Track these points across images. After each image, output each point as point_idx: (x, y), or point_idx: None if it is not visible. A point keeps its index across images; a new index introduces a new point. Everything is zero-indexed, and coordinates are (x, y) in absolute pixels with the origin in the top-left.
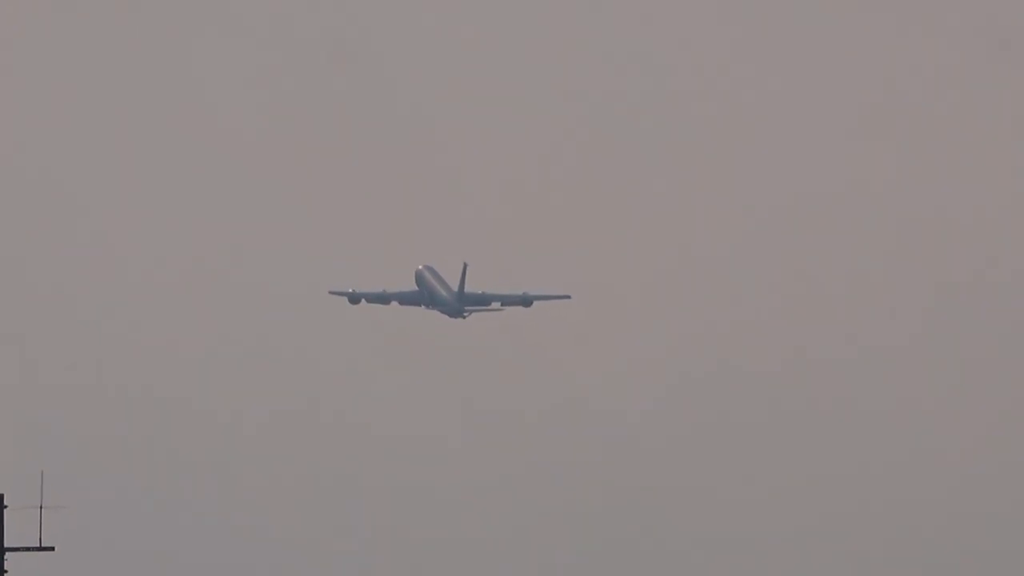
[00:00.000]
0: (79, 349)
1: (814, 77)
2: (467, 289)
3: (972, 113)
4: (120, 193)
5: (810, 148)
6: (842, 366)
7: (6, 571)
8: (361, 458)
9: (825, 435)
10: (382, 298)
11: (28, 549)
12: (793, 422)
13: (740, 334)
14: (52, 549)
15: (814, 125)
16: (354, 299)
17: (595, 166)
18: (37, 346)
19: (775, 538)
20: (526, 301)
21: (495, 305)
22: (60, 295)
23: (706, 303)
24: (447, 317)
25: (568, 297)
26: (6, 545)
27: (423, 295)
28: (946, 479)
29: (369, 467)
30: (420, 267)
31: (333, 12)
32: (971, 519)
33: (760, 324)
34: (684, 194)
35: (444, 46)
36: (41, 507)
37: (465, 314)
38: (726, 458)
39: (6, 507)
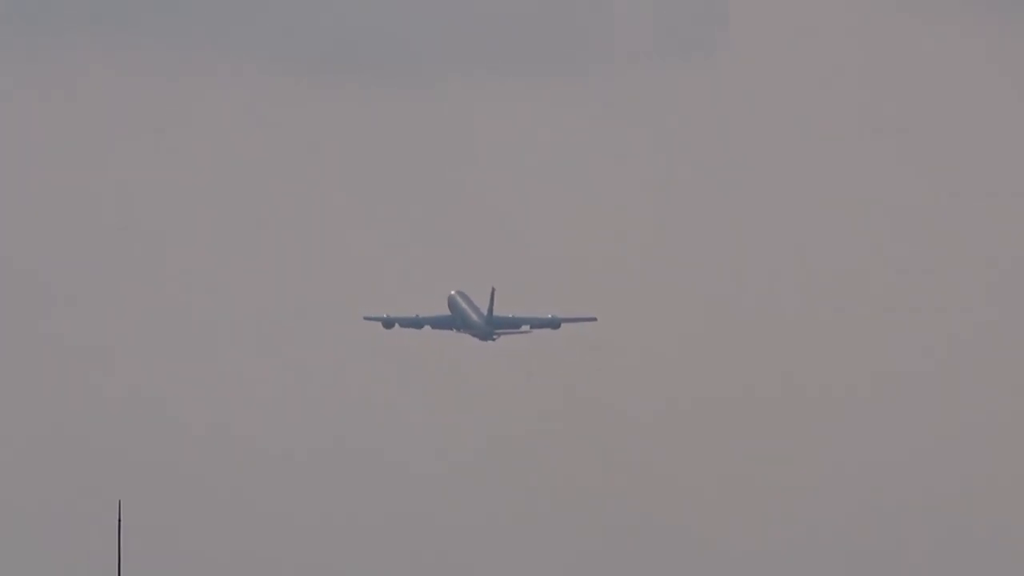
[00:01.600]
0: (111, 369)
1: (832, 100)
2: (497, 313)
3: None
4: (159, 218)
5: (833, 170)
6: (868, 390)
7: None
8: (394, 479)
9: (850, 456)
10: (415, 323)
11: None
12: (818, 446)
13: (764, 357)
14: None
15: (840, 149)
16: (388, 324)
17: (626, 193)
18: (74, 365)
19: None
20: (554, 324)
21: (524, 328)
22: (100, 319)
23: (731, 326)
24: (478, 340)
25: (594, 319)
26: None
27: (455, 319)
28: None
29: (403, 486)
30: (452, 292)
31: (373, 31)
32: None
33: (785, 347)
34: (707, 215)
35: (479, 70)
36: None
37: (495, 336)
38: (749, 475)
39: None
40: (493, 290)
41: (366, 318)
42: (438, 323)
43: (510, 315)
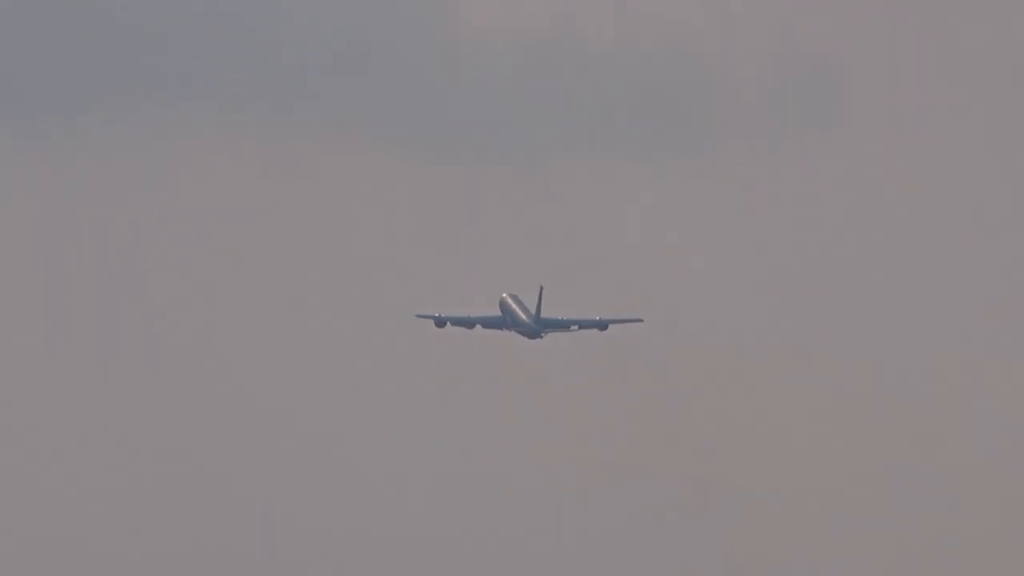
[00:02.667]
0: (173, 366)
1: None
2: (548, 315)
3: None
4: (217, 211)
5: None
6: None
7: None
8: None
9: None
10: (466, 322)
11: None
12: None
13: (805, 359)
14: None
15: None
16: (440, 323)
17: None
18: (130, 355)
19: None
20: (601, 325)
21: (572, 328)
22: (159, 311)
23: (774, 328)
24: (526, 339)
25: (640, 320)
26: None
27: (505, 320)
28: None
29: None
30: (504, 295)
31: (442, 35)
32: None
33: (831, 350)
34: (755, 217)
35: (530, 75)
36: None
37: (542, 335)
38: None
39: None
40: (541, 289)
41: (418, 316)
42: (489, 323)
43: (559, 317)
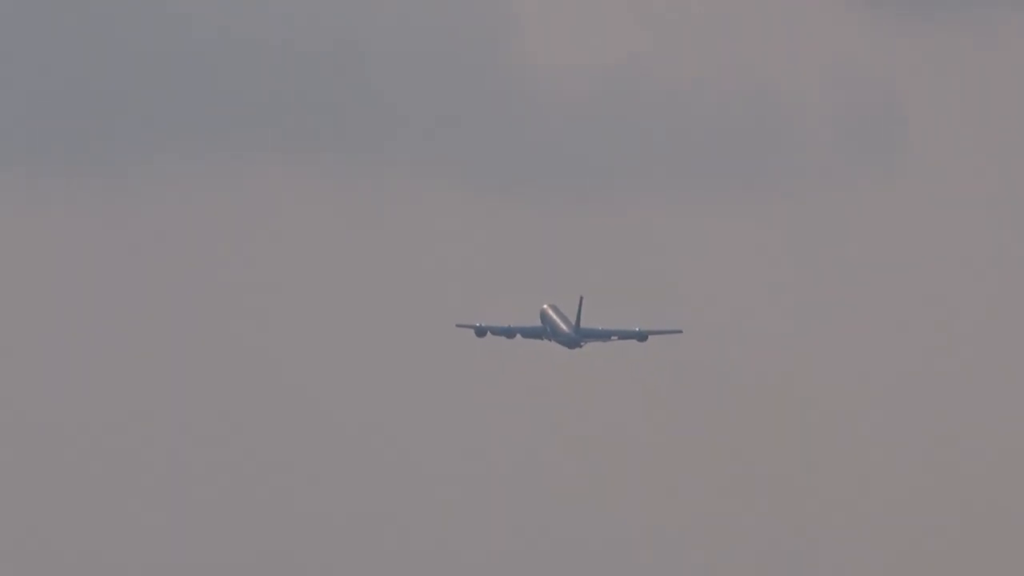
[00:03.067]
0: (213, 371)
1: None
2: (588, 325)
3: None
4: (270, 225)
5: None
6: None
7: None
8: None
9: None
10: (507, 332)
11: None
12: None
13: (847, 370)
14: None
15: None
16: (480, 332)
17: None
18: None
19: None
20: (641, 336)
21: (612, 339)
22: (197, 309)
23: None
24: (565, 348)
25: (680, 332)
26: None
27: (545, 330)
28: None
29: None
30: (545, 306)
31: (510, 71)
32: None
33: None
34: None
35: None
36: None
37: (582, 344)
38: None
39: None
40: (581, 299)
41: (458, 325)
42: (529, 332)
43: (599, 327)
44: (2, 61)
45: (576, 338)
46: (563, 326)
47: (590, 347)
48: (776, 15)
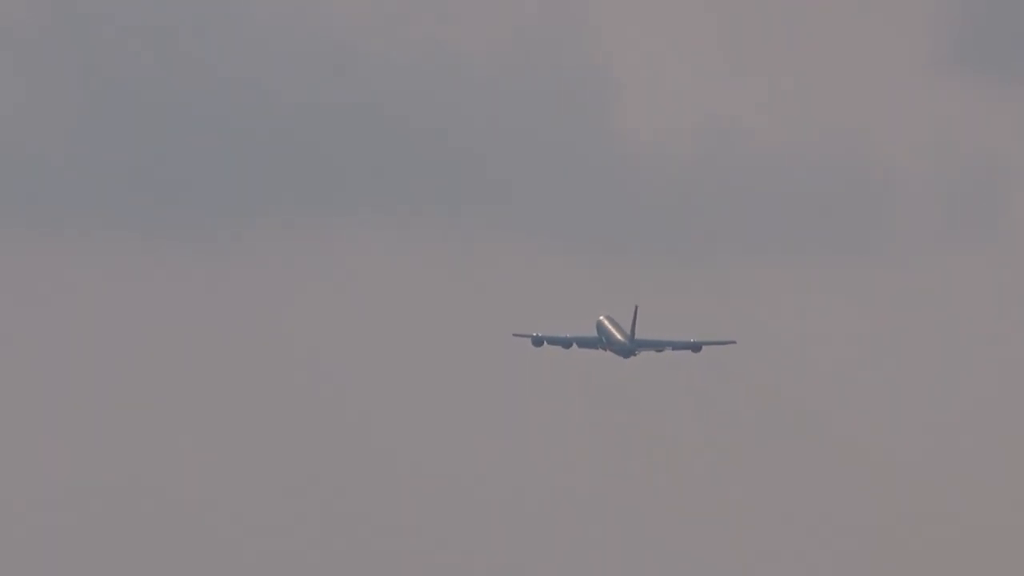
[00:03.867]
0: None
1: None
2: (644, 336)
3: None
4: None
5: None
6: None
7: None
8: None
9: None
10: (564, 342)
11: None
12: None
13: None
14: None
15: None
16: (537, 342)
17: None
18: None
19: None
20: (695, 347)
21: (666, 349)
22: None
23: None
24: (621, 358)
25: (734, 342)
26: None
27: (601, 340)
28: None
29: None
30: (601, 317)
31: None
32: None
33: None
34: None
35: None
36: None
37: (636, 353)
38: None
39: None
40: (636, 308)
41: (515, 335)
42: (584, 342)
43: (655, 338)
44: (115, 130)
45: (631, 347)
46: (618, 336)
47: (643, 356)
48: (875, 80)
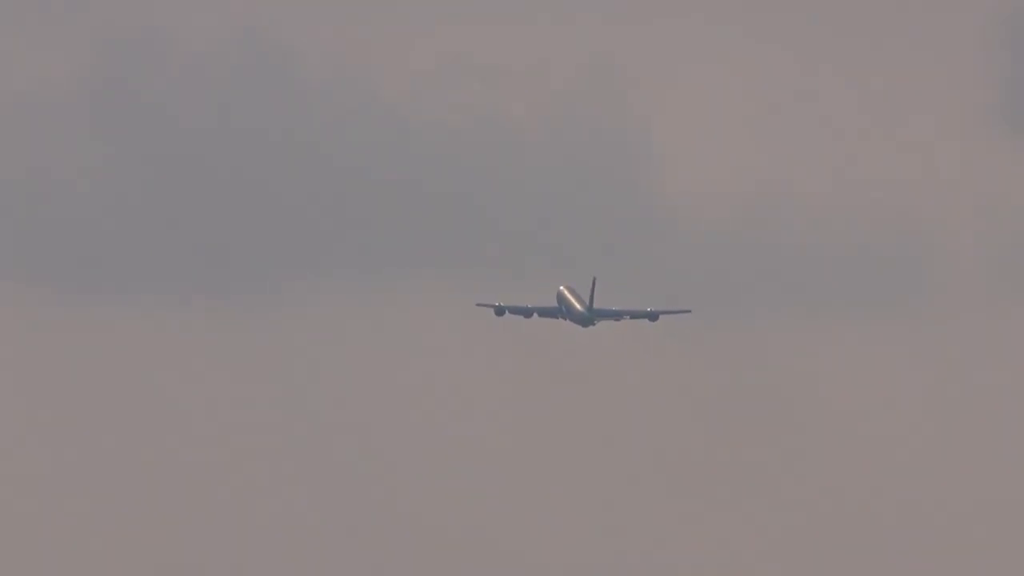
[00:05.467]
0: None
1: None
2: (601, 305)
3: None
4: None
5: None
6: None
7: None
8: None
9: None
10: (524, 311)
11: None
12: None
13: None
14: None
15: None
16: (499, 311)
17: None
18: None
19: None
20: (652, 316)
21: (624, 318)
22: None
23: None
24: (579, 327)
25: (689, 311)
26: None
27: (560, 310)
28: None
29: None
30: (561, 287)
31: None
32: None
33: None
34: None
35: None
36: None
37: (594, 323)
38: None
39: None
40: (594, 280)
41: (478, 304)
42: (545, 312)
43: (612, 308)
44: (157, 196)
45: (590, 317)
46: (578, 306)
47: (602, 325)
48: (917, 142)
